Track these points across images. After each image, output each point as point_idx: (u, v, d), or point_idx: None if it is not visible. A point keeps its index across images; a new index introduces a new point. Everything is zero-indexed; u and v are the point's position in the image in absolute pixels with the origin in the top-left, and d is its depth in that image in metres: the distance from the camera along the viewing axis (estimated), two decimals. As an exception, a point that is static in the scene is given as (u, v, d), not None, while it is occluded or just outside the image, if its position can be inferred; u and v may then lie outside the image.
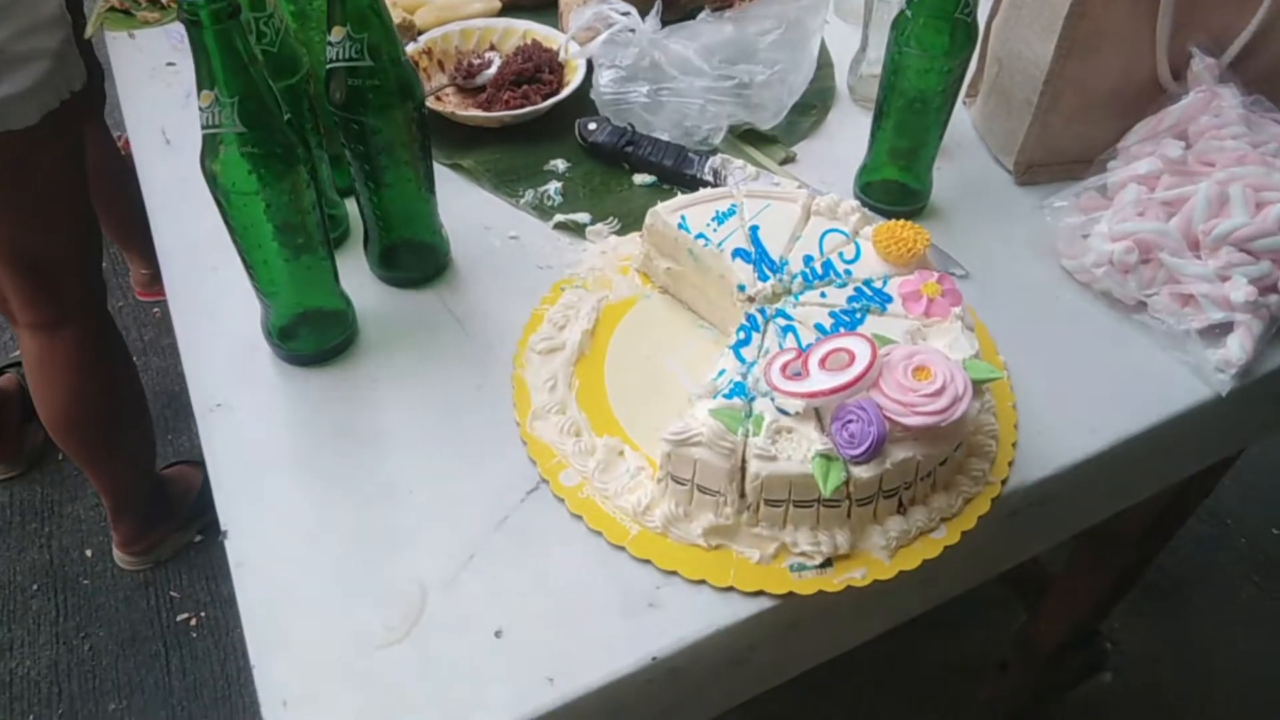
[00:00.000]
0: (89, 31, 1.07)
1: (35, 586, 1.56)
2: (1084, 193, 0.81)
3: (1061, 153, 0.86)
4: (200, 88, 0.58)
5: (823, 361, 0.59)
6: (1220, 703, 1.39)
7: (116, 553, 1.56)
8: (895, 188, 0.84)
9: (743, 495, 0.58)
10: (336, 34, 0.65)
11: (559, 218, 0.84)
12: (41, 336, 1.24)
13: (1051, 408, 0.68)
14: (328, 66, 0.67)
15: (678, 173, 0.88)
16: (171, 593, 1.54)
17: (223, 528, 0.60)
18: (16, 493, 1.68)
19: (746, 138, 0.93)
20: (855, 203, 0.72)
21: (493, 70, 0.98)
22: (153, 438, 1.49)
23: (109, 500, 1.48)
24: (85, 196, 1.21)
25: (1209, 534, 1.63)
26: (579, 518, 0.61)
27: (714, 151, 0.89)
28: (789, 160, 0.91)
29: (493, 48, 1.02)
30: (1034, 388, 0.69)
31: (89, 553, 1.60)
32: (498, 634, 0.56)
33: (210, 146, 0.60)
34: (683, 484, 0.59)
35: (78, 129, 1.17)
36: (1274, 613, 1.52)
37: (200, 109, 0.59)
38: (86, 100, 1.15)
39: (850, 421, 0.56)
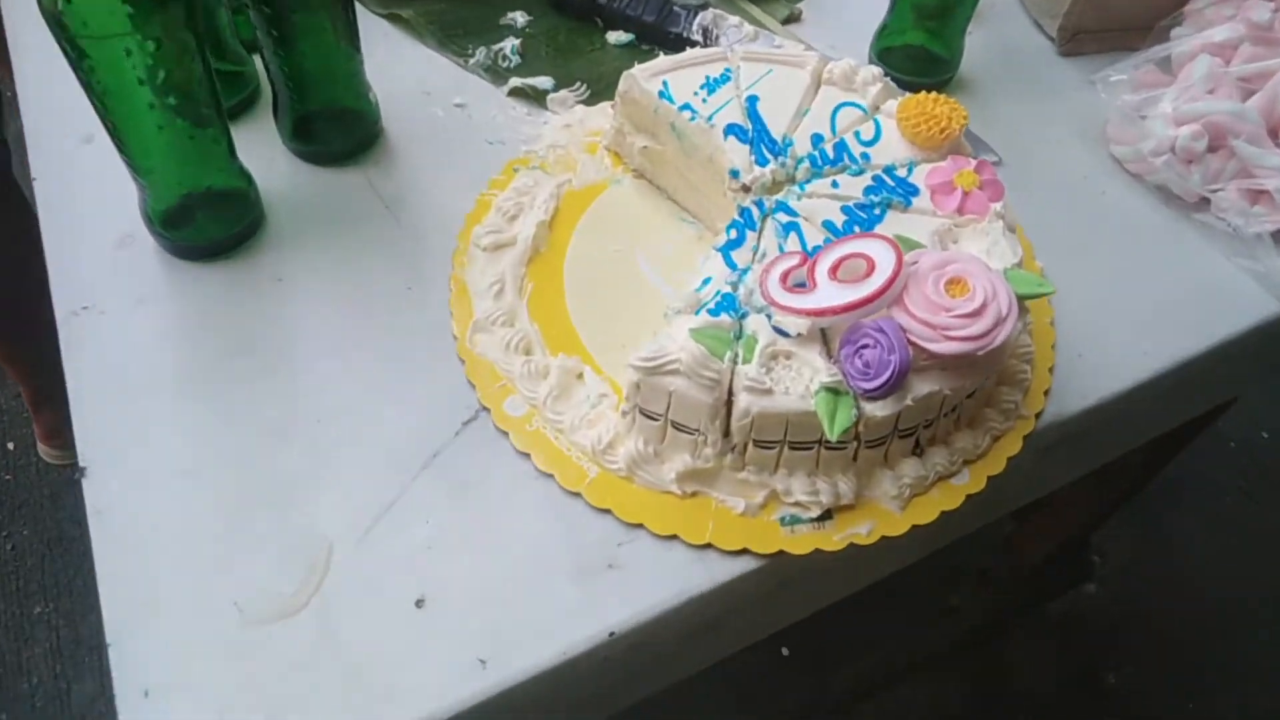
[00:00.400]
0: None
1: (-47, 482, 1.45)
2: (1142, 65, 0.67)
3: (1116, 17, 0.72)
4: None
5: (833, 270, 0.47)
6: (1198, 612, 1.35)
7: (40, 446, 1.46)
8: (919, 54, 0.70)
9: (727, 434, 0.47)
10: None
11: (515, 82, 0.69)
12: None
13: (1096, 324, 0.57)
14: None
15: (660, 30, 0.73)
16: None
17: (80, 464, 0.49)
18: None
19: (742, -10, 0.78)
20: (877, 70, 0.58)
21: (439, -99, 0.81)
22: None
23: (27, 390, 1.36)
24: None
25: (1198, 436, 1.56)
26: (525, 456, 0.50)
27: (704, 6, 0.74)
28: (793, 19, 0.77)
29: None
30: (1075, 299, 0.58)
31: (11, 445, 1.48)
32: (419, 603, 0.45)
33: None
34: (654, 419, 0.48)
35: None
36: (1257, 519, 1.47)
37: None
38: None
39: (865, 347, 0.45)
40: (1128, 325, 0.58)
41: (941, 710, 1.22)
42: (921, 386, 0.45)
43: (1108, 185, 0.65)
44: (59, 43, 0.48)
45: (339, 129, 0.64)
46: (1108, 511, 1.07)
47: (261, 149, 0.63)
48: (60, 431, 1.43)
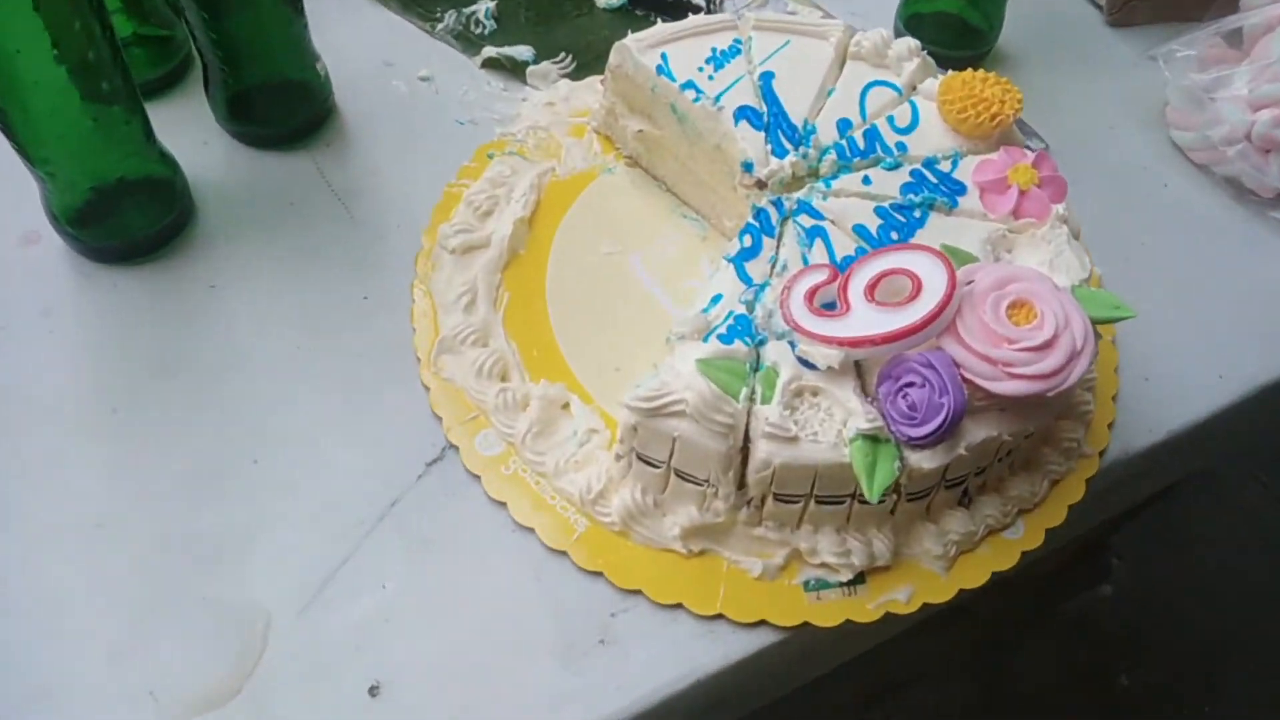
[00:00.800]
0: None
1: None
2: (1207, 38, 0.59)
3: (1175, -18, 0.64)
4: None
5: (870, 289, 0.39)
6: (1214, 610, 1.30)
7: None
8: (952, 24, 0.62)
9: (741, 485, 0.40)
10: None
11: (489, 52, 0.60)
12: None
13: (1162, 342, 0.50)
14: None
15: (656, -8, 0.64)
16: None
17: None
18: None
19: (749, -53, 0.68)
20: (913, 43, 0.50)
21: None
22: None
23: None
24: None
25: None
26: (501, 506, 0.42)
27: (705, -35, 0.65)
28: (806, -20, 0.68)
29: None
30: (1138, 313, 0.50)
31: None
32: (373, 690, 0.38)
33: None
34: (654, 466, 0.40)
35: None
36: (1277, 512, 1.41)
37: None
38: None
39: (910, 385, 0.37)
40: (1198, 344, 0.50)
41: (950, 714, 1.16)
42: (977, 431, 0.38)
43: (1169, 177, 0.57)
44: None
45: (281, 106, 0.55)
46: (1133, 515, 1.01)
47: (193, 130, 0.54)
48: None
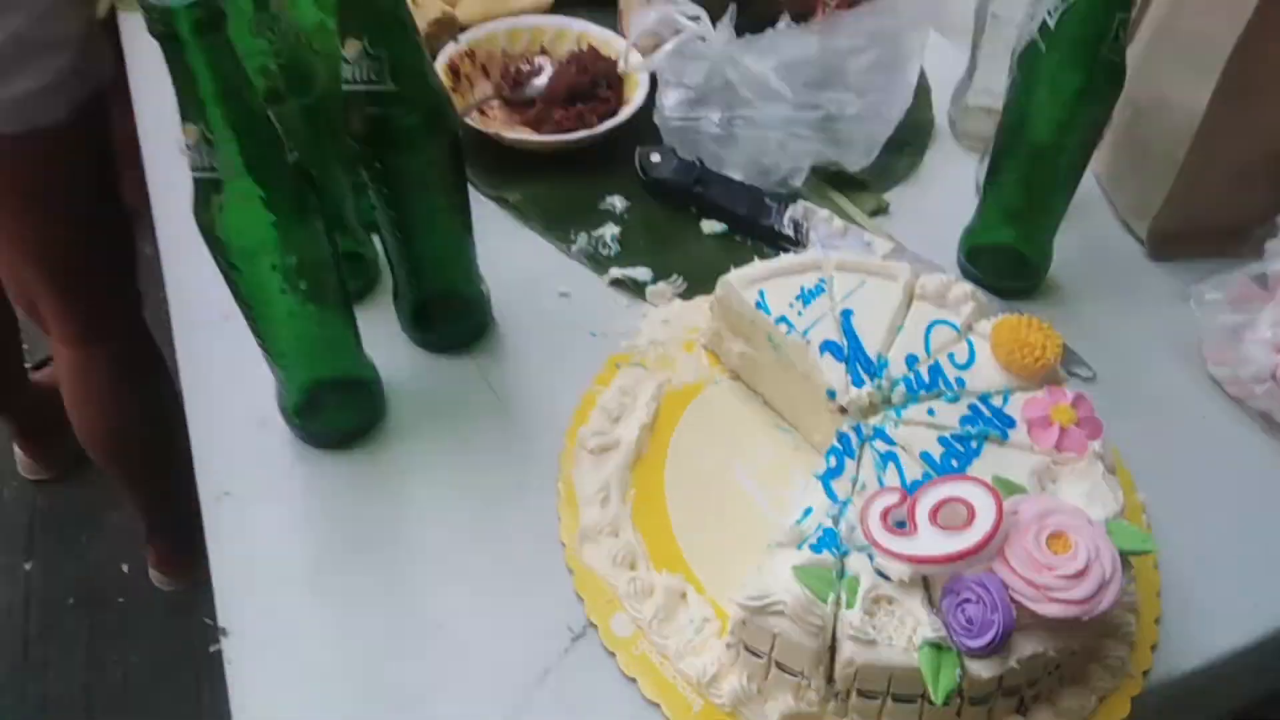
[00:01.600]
0: (100, 10, 0.97)
1: (70, 601, 1.48)
2: (1237, 280, 0.68)
3: (1208, 223, 0.73)
4: (183, 119, 0.47)
5: (934, 514, 0.48)
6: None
7: (152, 571, 1.49)
8: (1009, 256, 0.72)
9: (830, 680, 0.48)
10: (351, 49, 0.53)
11: (615, 273, 0.73)
12: (75, 350, 1.15)
13: (1203, 570, 0.56)
14: (344, 89, 0.55)
15: (753, 222, 0.76)
16: (205, 619, 1.43)
17: (221, 625, 0.52)
18: (56, 495, 1.58)
19: (832, 181, 0.81)
20: (969, 287, 0.60)
21: (543, 80, 0.86)
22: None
23: (145, 517, 1.40)
24: (118, 197, 1.12)
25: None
26: (632, 682, 0.51)
27: (794, 196, 0.78)
28: (880, 211, 0.79)
29: (544, 51, 0.90)
30: (1179, 540, 0.56)
31: (126, 568, 1.51)
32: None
33: (202, 193, 0.50)
34: (758, 656, 0.49)
35: (108, 123, 1.07)
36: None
37: (186, 147, 0.48)
38: (117, 91, 1.05)
39: (968, 601, 0.46)
40: (1236, 573, 0.56)
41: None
42: (1025, 646, 0.45)
43: (1207, 409, 0.64)
44: (209, 247, 0.52)
45: (455, 315, 0.68)
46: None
47: (383, 334, 0.65)
48: (170, 560, 1.46)
